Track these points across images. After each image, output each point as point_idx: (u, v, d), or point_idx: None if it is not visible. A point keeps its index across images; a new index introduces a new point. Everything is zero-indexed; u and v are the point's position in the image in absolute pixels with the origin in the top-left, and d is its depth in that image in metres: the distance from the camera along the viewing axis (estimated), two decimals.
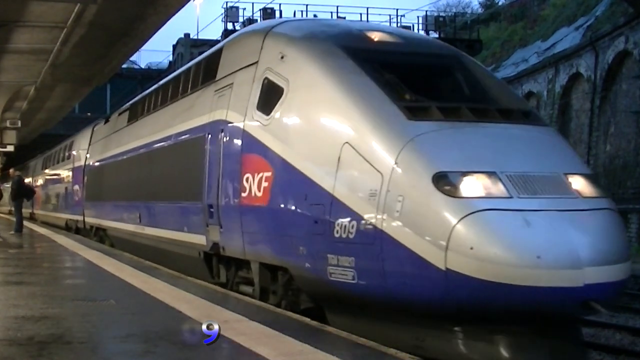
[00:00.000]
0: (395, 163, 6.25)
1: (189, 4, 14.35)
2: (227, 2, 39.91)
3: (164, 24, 14.87)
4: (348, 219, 6.46)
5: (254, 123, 8.29)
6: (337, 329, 6.18)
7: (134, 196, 14.58)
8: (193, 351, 5.24)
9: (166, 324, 6.25)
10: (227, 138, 9.06)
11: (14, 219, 22.46)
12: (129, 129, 16.31)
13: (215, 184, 9.25)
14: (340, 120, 7.04)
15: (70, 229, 23.97)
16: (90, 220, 20.37)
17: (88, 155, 21.52)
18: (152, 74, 46.21)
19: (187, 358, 5.08)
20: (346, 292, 6.57)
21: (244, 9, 48.61)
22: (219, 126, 9.34)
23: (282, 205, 7.59)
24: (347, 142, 6.74)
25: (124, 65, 36.03)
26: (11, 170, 30.88)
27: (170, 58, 49.81)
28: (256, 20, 31.20)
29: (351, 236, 6.39)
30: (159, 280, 9.40)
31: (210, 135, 9.68)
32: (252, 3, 40.82)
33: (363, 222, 6.29)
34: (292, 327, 6.13)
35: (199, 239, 9.93)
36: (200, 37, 46.39)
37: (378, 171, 6.32)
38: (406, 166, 6.21)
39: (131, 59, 41.10)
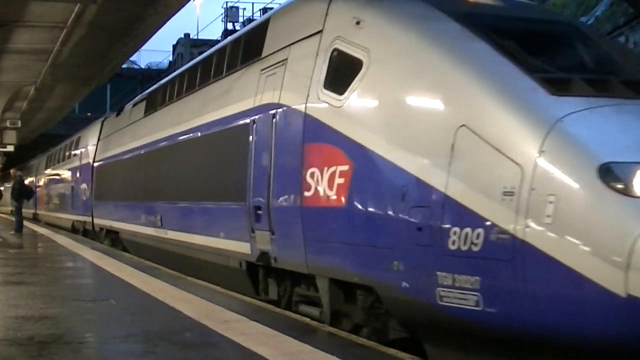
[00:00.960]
0: (541, 151, 4.74)
1: (189, 4, 14.38)
2: (227, 2, 40.09)
3: (164, 24, 14.91)
4: (470, 225, 4.95)
5: (320, 105, 6.76)
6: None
7: (154, 196, 12.92)
8: (193, 351, 5.25)
9: (166, 324, 6.25)
10: (282, 125, 7.53)
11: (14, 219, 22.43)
12: (147, 120, 14.64)
13: (264, 181, 7.75)
14: (454, 97, 5.46)
15: (77, 230, 22.44)
16: (100, 221, 18.74)
17: (97, 152, 20.00)
18: (152, 74, 46.24)
19: (187, 358, 5.08)
20: (464, 322, 5.08)
21: (244, 9, 48.77)
22: (269, 111, 7.83)
23: (367, 208, 6.01)
24: (464, 125, 5.19)
25: (124, 65, 36.07)
26: (12, 171, 30.71)
27: (170, 58, 49.88)
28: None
29: (475, 249, 4.90)
30: (159, 280, 9.40)
31: (256, 123, 8.19)
32: (252, 3, 41.04)
33: (495, 230, 4.79)
34: (292, 327, 6.13)
35: (241, 247, 8.43)
36: (200, 37, 46.53)
37: (515, 162, 4.80)
38: (557, 155, 4.71)
39: (131, 59, 41.16)
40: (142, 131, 14.68)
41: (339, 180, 6.29)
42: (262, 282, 8.37)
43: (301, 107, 7.08)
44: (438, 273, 5.16)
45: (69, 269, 11.65)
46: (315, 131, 6.80)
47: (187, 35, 47.68)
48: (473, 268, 4.94)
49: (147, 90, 16.96)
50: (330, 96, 6.64)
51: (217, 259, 9.51)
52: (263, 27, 8.92)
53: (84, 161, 21.52)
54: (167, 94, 13.45)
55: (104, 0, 12.37)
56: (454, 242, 5.05)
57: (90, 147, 21.03)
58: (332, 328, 6.31)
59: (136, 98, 17.51)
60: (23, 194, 21.73)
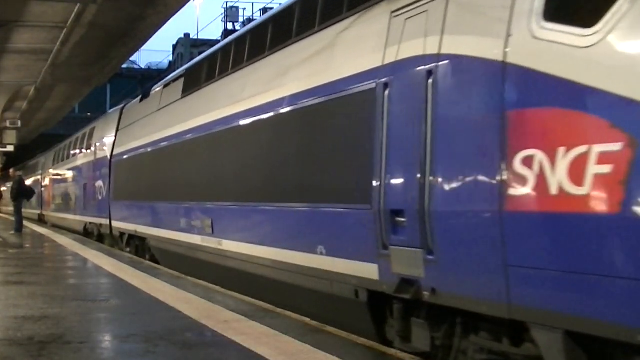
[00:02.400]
0: None
1: (189, 4, 14.39)
2: (227, 2, 40.11)
3: (164, 24, 14.93)
4: None
5: (541, 47, 4.31)
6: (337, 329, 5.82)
7: (201, 194, 10.22)
8: (193, 351, 5.25)
9: (166, 324, 6.24)
10: (448, 85, 5.14)
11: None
12: (187, 102, 11.77)
13: (411, 173, 5.33)
14: None
15: (90, 234, 19.79)
16: (120, 225, 15.98)
17: (116, 144, 17.06)
18: (152, 74, 46.29)
19: (187, 358, 5.08)
20: None
21: (244, 9, 48.86)
22: (418, 68, 5.39)
23: None
24: None
25: (124, 65, 36.13)
26: (11, 171, 30.62)
27: (170, 58, 49.94)
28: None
29: None
30: (159, 280, 9.40)
31: (390, 87, 5.72)
32: (252, 3, 41.00)
33: None
34: (292, 327, 6.13)
35: (360, 269, 6.00)
36: (200, 37, 46.57)
37: None
38: None
39: (131, 59, 41.25)
40: (181, 115, 11.82)
41: (599, 169, 3.84)
42: (397, 323, 5.76)
43: (494, 55, 4.68)
44: None
45: (69, 269, 11.65)
46: (534, 89, 4.38)
47: (187, 35, 47.77)
48: None
49: (190, 63, 14.05)
50: (564, 32, 4.19)
51: (312, 284, 6.99)
52: None
53: (100, 155, 18.69)
54: (217, 66, 10.63)
55: (104, 0, 12.37)
56: None
57: (107, 139, 18.16)
58: (332, 328, 6.30)
59: (168, 77, 14.50)
60: (22, 194, 21.73)
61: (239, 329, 5.94)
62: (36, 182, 33.54)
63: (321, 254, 6.68)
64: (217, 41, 29.17)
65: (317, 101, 7.01)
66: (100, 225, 17.98)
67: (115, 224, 16.44)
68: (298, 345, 5.32)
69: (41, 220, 31.44)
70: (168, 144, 12.21)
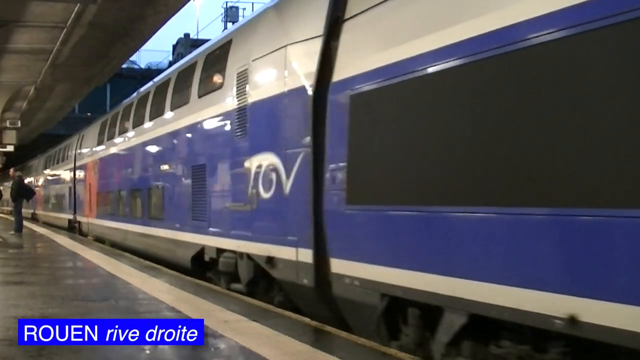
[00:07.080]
0: None
1: (189, 4, 14.38)
2: (227, 2, 40.13)
3: (164, 24, 14.91)
4: None
5: None
6: (337, 329, 5.87)
7: None
8: (193, 351, 5.24)
9: None
10: None
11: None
12: None
13: None
14: None
15: (220, 275, 9.28)
16: (395, 277, 5.38)
17: (341, 55, 6.40)
18: (152, 74, 46.28)
19: (187, 358, 5.08)
20: None
21: (244, 9, 48.90)
22: None
23: None
24: None
25: (124, 65, 36.13)
26: (11, 171, 30.50)
27: (170, 58, 49.94)
28: None
29: None
30: (159, 281, 9.40)
31: None
32: (252, 3, 41.01)
33: None
34: (291, 327, 6.13)
35: None
36: (200, 37, 46.55)
37: None
38: None
39: (131, 59, 41.26)
40: None
41: None
42: None
43: None
44: None
45: (68, 269, 11.65)
46: None
47: (187, 35, 47.81)
48: None
49: None
50: None
51: None
52: None
53: (257, 97, 8.05)
54: None
55: (104, 0, 12.37)
56: None
57: (293, 51, 7.22)
58: (331, 328, 6.30)
59: None
60: (21, 194, 21.74)
61: (239, 329, 5.93)
62: (66, 173, 24.74)
63: None
64: None
65: None
66: (272, 261, 7.53)
67: (363, 269, 5.90)
68: (298, 345, 5.32)
69: (73, 229, 22.43)
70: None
